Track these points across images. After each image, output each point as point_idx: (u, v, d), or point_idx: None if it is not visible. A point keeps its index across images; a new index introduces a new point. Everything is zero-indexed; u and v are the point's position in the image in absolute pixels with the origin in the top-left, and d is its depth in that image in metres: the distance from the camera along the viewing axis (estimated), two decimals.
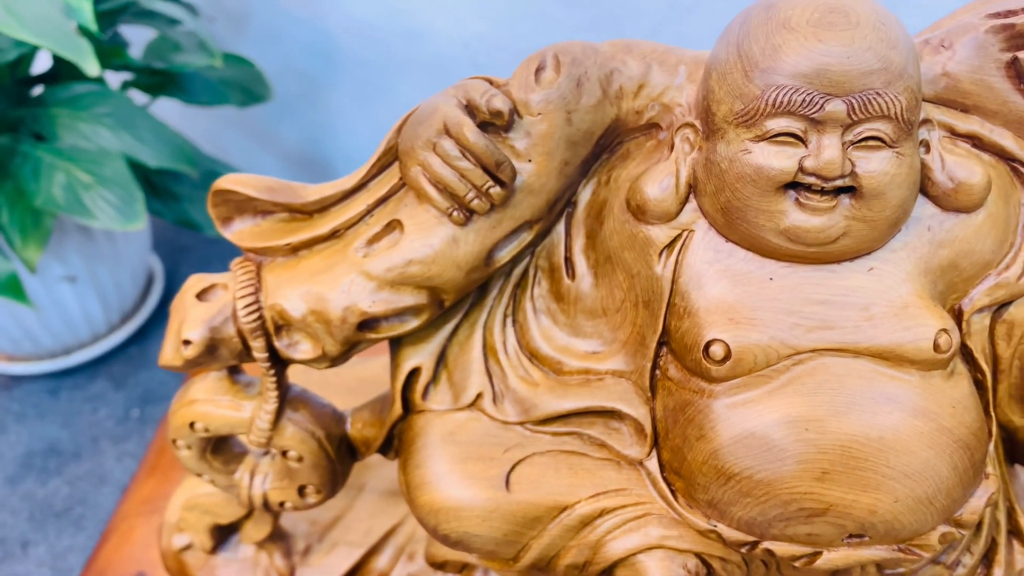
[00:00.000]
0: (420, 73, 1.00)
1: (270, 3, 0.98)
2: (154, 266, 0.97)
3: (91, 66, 0.56)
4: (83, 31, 0.59)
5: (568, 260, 0.37)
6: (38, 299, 0.76)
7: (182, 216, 0.72)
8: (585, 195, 0.36)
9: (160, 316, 0.94)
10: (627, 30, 0.93)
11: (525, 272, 0.37)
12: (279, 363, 0.37)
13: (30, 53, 0.69)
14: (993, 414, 0.36)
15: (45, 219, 0.65)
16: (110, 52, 0.69)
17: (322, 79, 1.02)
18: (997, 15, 0.33)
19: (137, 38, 0.87)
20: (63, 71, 0.71)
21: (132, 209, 0.61)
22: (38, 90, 0.73)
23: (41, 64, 0.80)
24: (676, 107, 0.34)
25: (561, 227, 0.37)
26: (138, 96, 0.78)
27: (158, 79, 0.73)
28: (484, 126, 0.33)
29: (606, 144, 0.36)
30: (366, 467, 0.51)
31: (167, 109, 0.89)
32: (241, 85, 0.78)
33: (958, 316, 0.34)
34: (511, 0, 0.93)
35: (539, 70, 0.33)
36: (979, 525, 0.39)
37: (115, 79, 0.81)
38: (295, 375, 0.43)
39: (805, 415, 0.31)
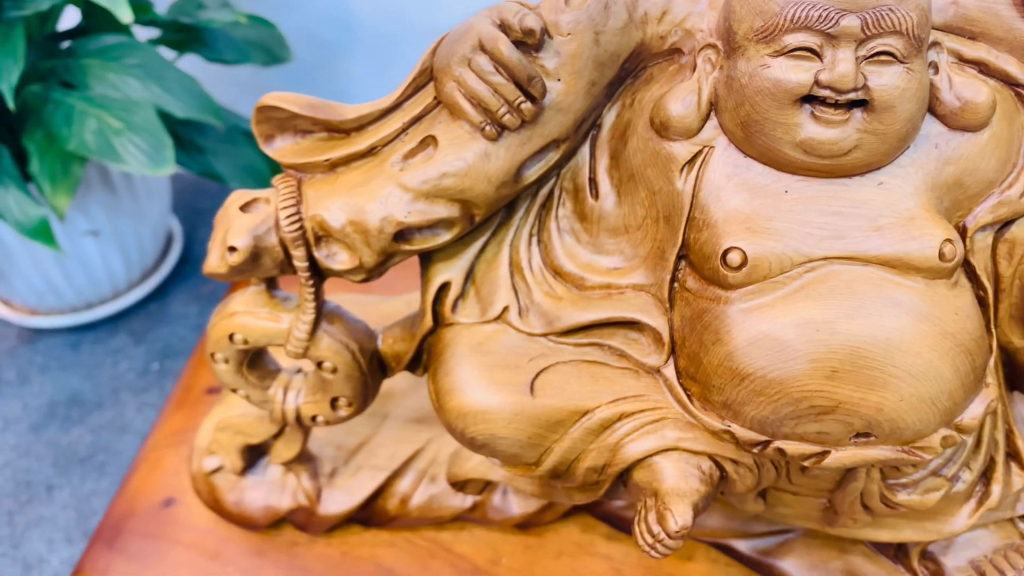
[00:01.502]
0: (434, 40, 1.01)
1: None
2: (173, 227, 0.99)
3: (124, 13, 0.58)
4: None
5: (592, 180, 0.39)
6: (62, 253, 0.78)
7: (206, 168, 0.74)
8: (610, 117, 0.38)
9: (180, 275, 0.96)
10: None
11: (550, 194, 0.39)
12: (317, 274, 0.39)
13: (60, 6, 0.70)
14: (994, 332, 0.38)
15: (74, 167, 0.67)
16: (138, 7, 0.71)
17: (338, 46, 1.04)
18: None
19: (160, 1, 0.88)
20: (92, 25, 0.73)
21: (161, 155, 0.63)
22: (66, 44, 0.75)
23: (68, 21, 0.82)
24: (698, 32, 0.36)
25: (586, 148, 0.39)
26: (164, 52, 0.80)
27: (184, 35, 0.75)
28: (516, 45, 0.35)
29: (631, 68, 0.37)
30: (390, 396, 0.53)
31: (190, 68, 0.91)
32: (263, 46, 0.80)
33: (962, 233, 0.36)
34: None
35: None
36: (978, 442, 0.41)
37: (141, 36, 0.83)
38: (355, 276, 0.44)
39: (816, 317, 0.33)
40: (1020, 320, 0.39)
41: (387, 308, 0.54)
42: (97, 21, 0.72)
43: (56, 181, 0.67)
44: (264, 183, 0.79)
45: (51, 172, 0.66)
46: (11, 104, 0.60)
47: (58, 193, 0.67)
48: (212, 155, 0.74)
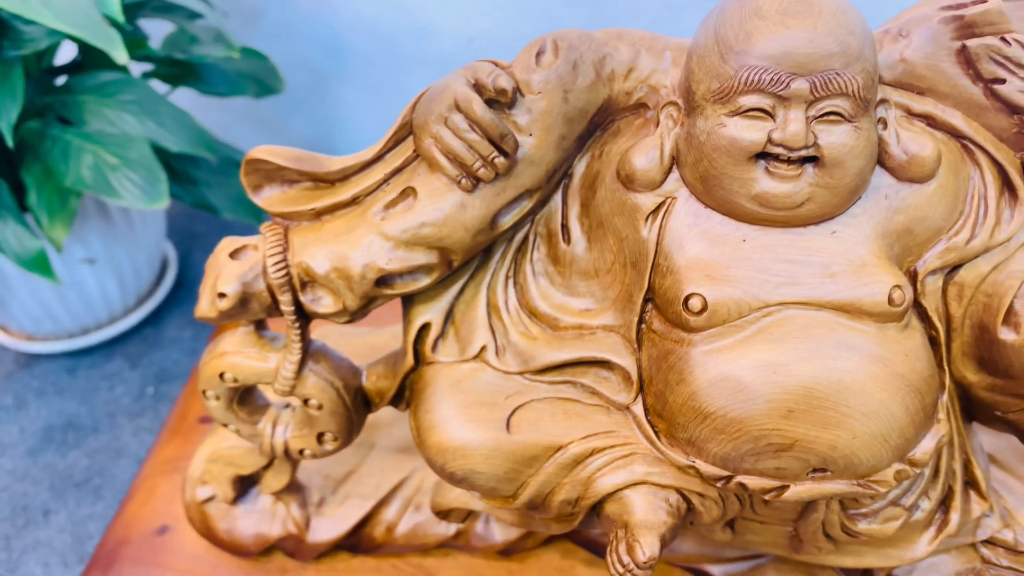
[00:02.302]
0: (426, 69, 1.04)
1: (281, 1, 1.02)
2: (168, 252, 1.01)
3: (120, 54, 0.60)
4: (110, 21, 0.63)
5: (564, 226, 0.41)
6: (60, 280, 0.80)
7: (200, 199, 0.76)
8: (580, 167, 0.40)
9: (175, 299, 0.98)
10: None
11: (525, 238, 0.41)
12: (303, 317, 0.41)
13: (56, 43, 0.73)
14: (948, 369, 0.40)
15: (71, 200, 0.69)
16: (133, 43, 0.73)
17: (331, 74, 1.06)
18: (949, 7, 0.37)
19: (155, 32, 0.91)
20: (88, 61, 0.75)
21: (156, 189, 0.65)
22: (61, 79, 0.77)
23: (64, 55, 0.84)
24: (662, 88, 0.38)
25: (558, 196, 0.41)
26: (158, 86, 0.82)
27: (178, 70, 0.77)
28: (490, 103, 0.37)
29: (599, 121, 0.40)
30: (376, 427, 0.55)
31: (183, 100, 0.93)
32: (256, 77, 0.82)
33: (913, 277, 0.38)
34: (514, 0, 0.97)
35: (539, 53, 0.37)
36: (936, 472, 0.43)
37: (136, 70, 0.85)
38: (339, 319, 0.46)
39: (773, 360, 0.35)
40: (972, 357, 0.41)
41: (373, 340, 0.56)
42: (93, 56, 0.74)
43: (53, 214, 0.69)
44: (256, 214, 0.81)
45: (48, 205, 0.68)
46: (10, 142, 0.62)
47: (55, 225, 0.69)
48: (206, 187, 0.76)
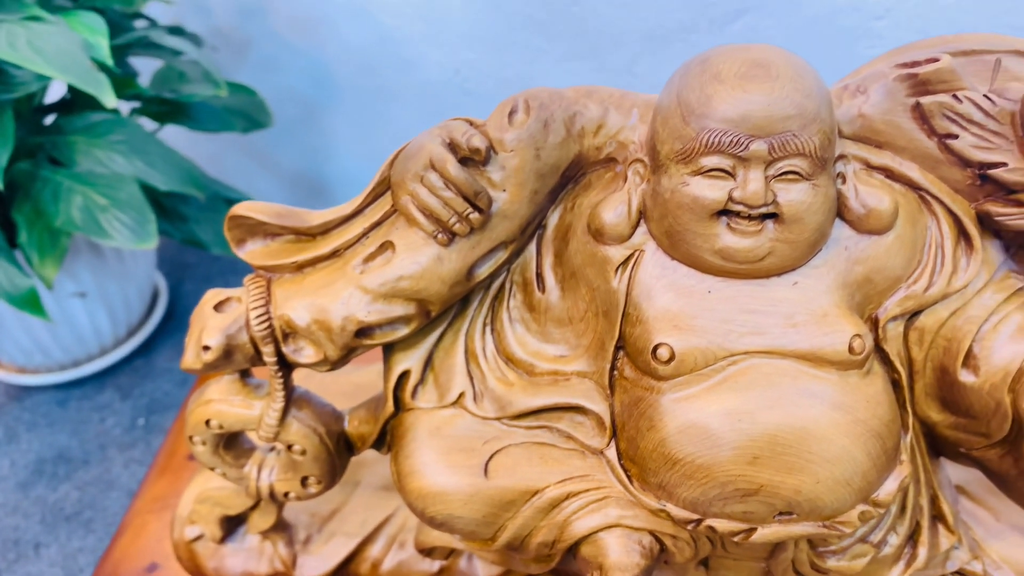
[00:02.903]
0: (413, 98, 1.06)
1: (269, 33, 1.03)
2: (159, 283, 1.02)
3: (108, 98, 0.61)
4: (99, 65, 0.64)
5: (539, 275, 0.42)
6: (50, 313, 0.81)
7: (189, 235, 0.77)
8: (554, 219, 0.42)
9: (165, 330, 0.99)
10: (607, 61, 0.99)
11: (502, 286, 0.43)
12: (286, 367, 0.42)
13: (46, 85, 0.74)
14: (911, 410, 0.42)
15: (61, 239, 0.70)
16: (122, 83, 0.75)
17: (320, 105, 1.08)
18: (904, 65, 0.39)
19: (145, 67, 0.92)
20: (78, 100, 0.76)
21: (145, 229, 0.66)
22: (51, 118, 0.78)
23: (54, 93, 0.85)
24: (630, 144, 0.40)
25: (533, 247, 0.42)
26: (146, 123, 0.83)
27: (167, 108, 0.78)
28: (465, 161, 0.39)
29: (571, 175, 0.41)
30: (361, 465, 0.56)
31: (172, 134, 0.94)
32: (244, 113, 0.84)
33: (875, 323, 0.40)
34: (499, 31, 0.99)
35: (512, 113, 0.39)
36: (903, 508, 0.44)
37: (124, 106, 0.86)
38: (300, 381, 0.47)
39: (739, 408, 0.36)
40: (935, 398, 0.42)
41: (358, 378, 0.57)
42: (83, 95, 0.75)
43: (44, 253, 0.70)
44: None
45: (39, 244, 0.69)
46: (0, 185, 0.63)
47: (46, 264, 0.70)
48: (195, 223, 0.77)
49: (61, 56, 0.61)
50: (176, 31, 0.92)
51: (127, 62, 0.87)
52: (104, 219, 0.66)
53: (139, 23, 0.90)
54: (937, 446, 0.45)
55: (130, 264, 0.89)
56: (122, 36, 0.74)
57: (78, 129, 0.71)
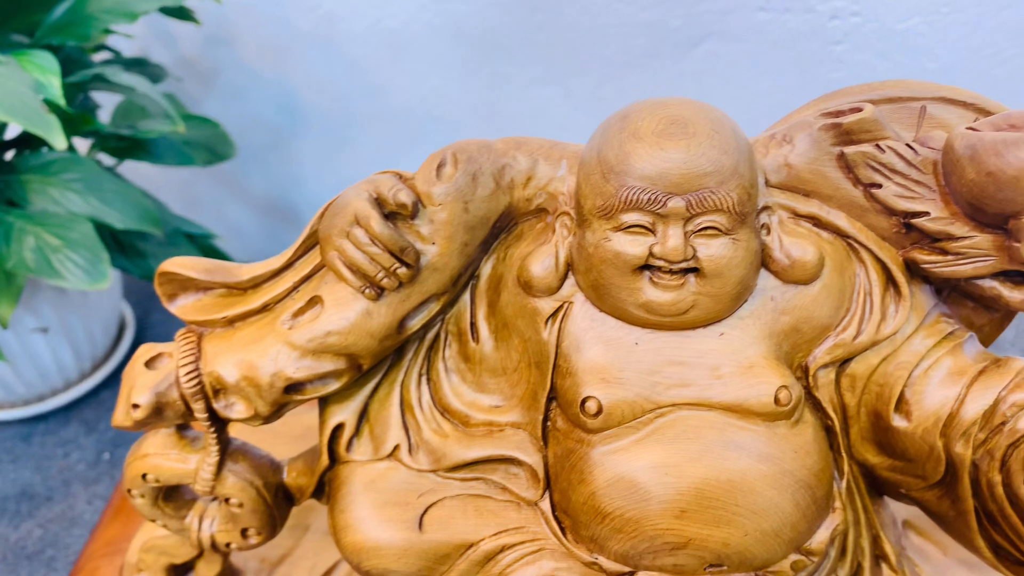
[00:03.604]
0: (381, 125, 1.06)
1: (236, 63, 1.03)
2: (126, 313, 1.01)
3: (58, 140, 0.61)
4: (51, 104, 0.64)
5: (473, 326, 0.42)
6: (11, 350, 0.80)
7: (148, 272, 0.76)
8: (487, 269, 0.42)
9: None
10: (573, 87, 0.99)
11: (437, 336, 0.43)
12: (219, 421, 0.42)
13: (4, 124, 0.74)
14: (847, 455, 0.42)
15: (17, 277, 0.70)
16: (79, 119, 0.75)
17: (288, 133, 1.08)
18: (829, 114, 0.39)
19: (108, 100, 0.92)
20: (34, 138, 0.76)
21: (98, 269, 0.65)
22: (10, 154, 0.78)
23: (14, 129, 0.85)
24: (560, 195, 0.40)
25: (467, 296, 0.42)
26: (106, 158, 0.83)
27: (125, 143, 0.78)
28: (393, 215, 0.39)
29: (503, 226, 0.41)
30: (311, 509, 0.56)
31: (140, 166, 0.94)
32: (206, 145, 0.84)
33: (805, 372, 0.40)
34: (465, 58, 0.99)
35: (440, 166, 0.39)
36: (844, 550, 0.44)
37: (84, 142, 0.86)
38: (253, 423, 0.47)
39: (665, 461, 0.36)
40: (871, 441, 0.42)
41: (309, 420, 0.57)
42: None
43: (0, 292, 0.69)
44: None
45: None
46: None
47: (1, 303, 0.69)
48: (153, 259, 0.77)
49: (10, 98, 0.61)
50: (139, 63, 0.92)
51: (89, 96, 0.87)
52: (56, 260, 0.65)
53: (101, 55, 0.90)
54: (878, 487, 0.46)
55: (93, 297, 0.88)
56: (78, 73, 0.74)
57: (32, 168, 0.70)
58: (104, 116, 0.90)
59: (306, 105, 1.06)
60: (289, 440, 0.52)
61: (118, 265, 0.76)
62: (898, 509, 0.50)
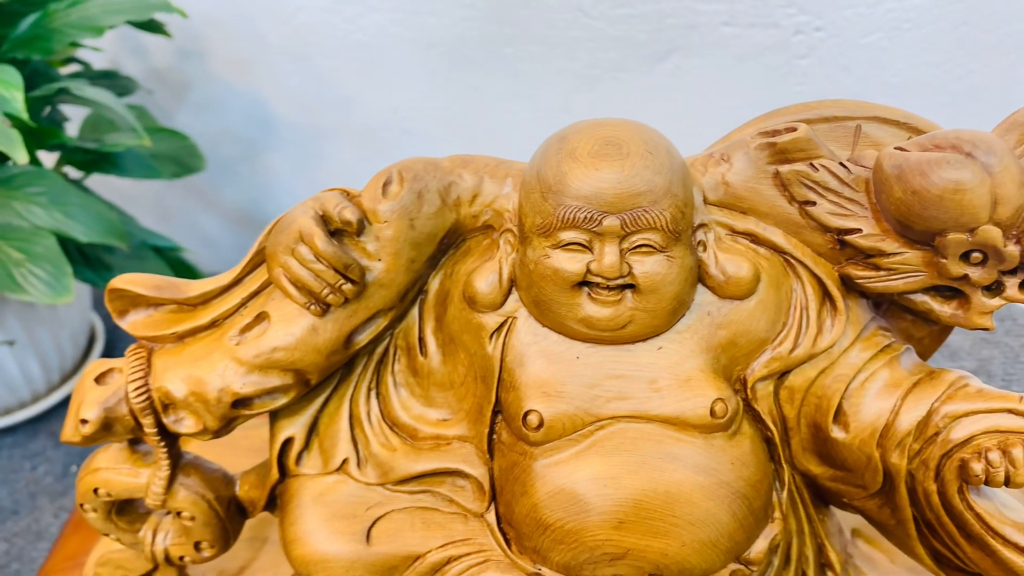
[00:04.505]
0: (352, 137, 1.07)
1: (208, 75, 1.04)
2: (96, 325, 1.01)
3: (20, 155, 0.61)
4: (14, 119, 0.64)
5: (421, 340, 0.43)
6: None
7: None
8: (435, 284, 0.42)
9: None
10: (542, 100, 1.01)
11: (386, 350, 0.43)
12: (169, 436, 0.43)
13: None
14: (788, 465, 0.43)
15: None
16: (45, 133, 0.75)
17: (260, 145, 1.09)
18: (765, 134, 0.40)
19: (79, 113, 0.92)
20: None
21: (61, 283, 0.66)
22: None
23: None
24: (505, 212, 0.40)
25: (415, 311, 0.43)
26: (73, 171, 0.83)
27: (91, 156, 0.78)
28: (338, 232, 0.39)
29: (451, 242, 0.42)
30: (270, 521, 0.56)
31: (113, 177, 0.94)
32: (174, 158, 0.84)
33: (744, 384, 0.41)
34: (435, 70, 1.00)
35: (386, 184, 0.40)
36: (788, 559, 0.45)
37: (50, 156, 0.86)
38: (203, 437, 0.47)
39: (604, 473, 0.37)
40: (813, 452, 0.43)
41: (268, 432, 0.57)
42: None
43: None
44: None
45: None
46: None
47: None
48: (119, 271, 0.77)
49: None
50: (109, 75, 0.92)
51: (57, 109, 0.87)
52: (19, 274, 0.65)
53: (71, 67, 0.90)
54: (823, 496, 0.47)
55: (62, 310, 0.88)
56: (44, 86, 0.74)
57: None
58: (74, 129, 0.90)
59: (277, 118, 1.07)
60: (250, 452, 0.53)
61: (84, 278, 0.76)
62: (848, 517, 0.51)
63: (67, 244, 0.73)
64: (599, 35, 0.95)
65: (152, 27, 0.86)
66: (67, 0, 0.76)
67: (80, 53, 0.91)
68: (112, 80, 0.90)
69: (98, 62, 0.99)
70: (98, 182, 0.94)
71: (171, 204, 1.14)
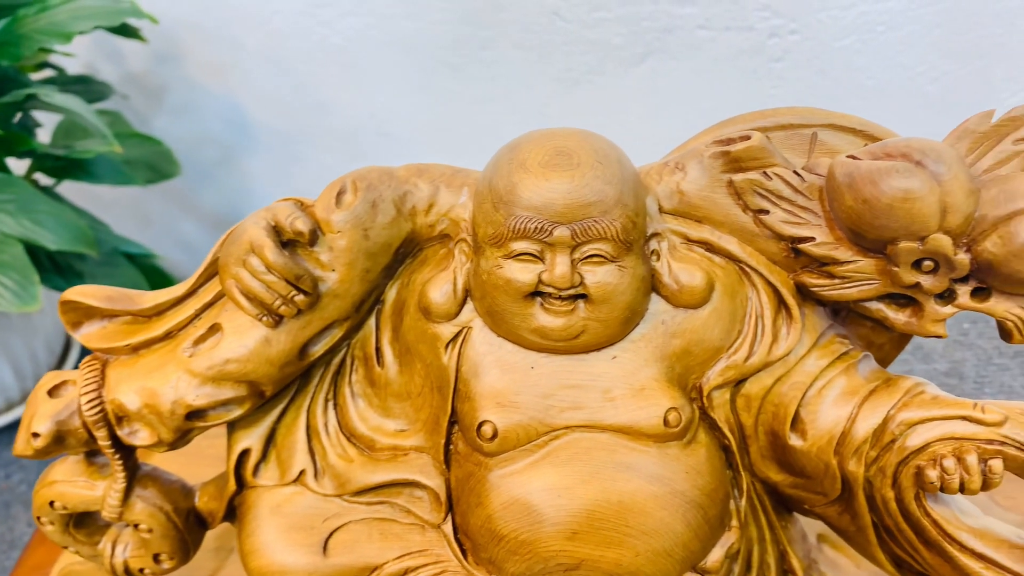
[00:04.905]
0: (330, 141, 1.06)
1: (184, 80, 1.03)
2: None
3: None
4: None
5: (378, 350, 0.42)
6: None
7: None
8: (391, 294, 0.42)
9: None
10: (519, 104, 1.01)
11: (343, 361, 0.43)
12: (124, 448, 0.42)
13: None
14: (747, 473, 0.43)
15: None
16: (14, 139, 0.74)
17: (238, 150, 1.08)
18: (719, 142, 0.40)
19: (52, 119, 0.91)
20: None
21: (28, 292, 0.65)
22: None
23: None
24: (462, 222, 0.40)
25: (372, 321, 0.42)
26: (44, 178, 0.83)
27: (62, 163, 0.78)
28: (292, 242, 0.39)
29: (407, 251, 0.42)
30: (235, 531, 0.56)
31: (91, 184, 0.94)
32: (148, 164, 0.83)
33: (700, 392, 0.40)
34: (412, 74, 1.00)
35: (340, 194, 0.39)
36: (749, 566, 0.45)
37: (21, 163, 0.85)
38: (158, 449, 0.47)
39: (558, 483, 0.37)
40: (772, 459, 0.43)
41: None
42: None
43: None
44: None
45: None
46: None
47: None
48: (91, 279, 0.76)
49: None
50: (83, 80, 0.91)
51: (29, 115, 0.86)
52: None
53: (44, 73, 0.89)
54: (786, 503, 0.47)
55: (35, 317, 0.88)
56: (12, 93, 0.73)
57: None
58: (45, 134, 0.89)
59: (255, 122, 1.06)
60: (216, 462, 0.52)
61: (55, 286, 0.75)
62: (815, 523, 0.51)
63: (37, 252, 0.73)
64: (575, 39, 0.95)
65: (126, 32, 0.85)
66: (36, 6, 0.75)
67: (55, 59, 0.91)
68: (86, 85, 0.90)
69: (73, 67, 0.98)
70: (75, 189, 0.93)
71: (150, 210, 1.13)
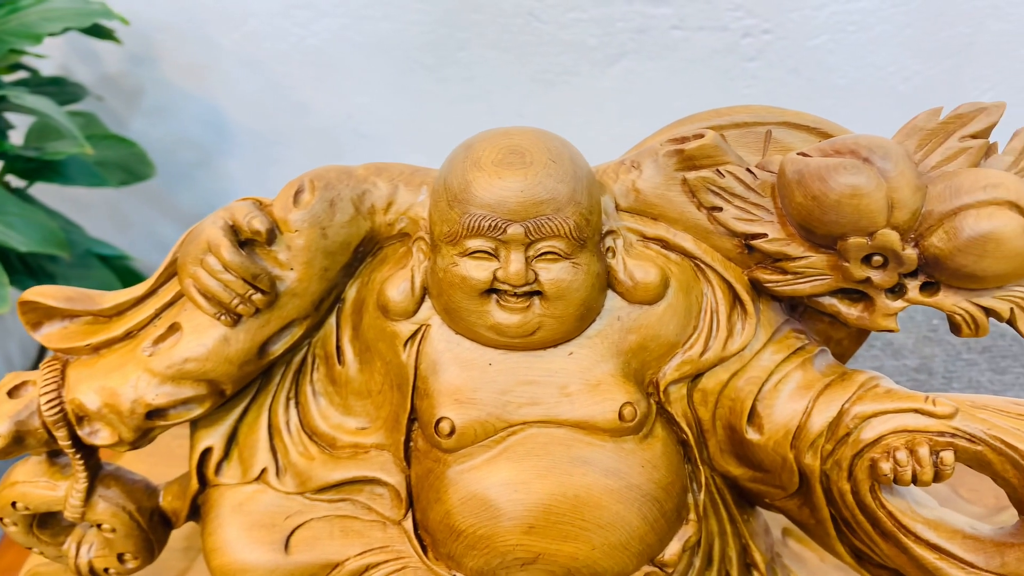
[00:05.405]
0: (307, 142, 1.06)
1: (160, 81, 1.03)
2: None
3: None
4: None
5: (339, 349, 0.43)
6: None
7: None
8: (352, 292, 0.43)
9: None
10: (496, 104, 1.01)
11: (304, 359, 0.43)
12: (85, 448, 0.42)
13: None
14: (705, 467, 0.43)
15: None
16: None
17: (215, 151, 1.08)
18: (673, 141, 0.41)
19: (25, 120, 0.91)
20: None
21: None
22: None
23: None
24: (421, 220, 0.41)
25: (333, 320, 0.43)
26: (15, 180, 0.83)
27: (34, 165, 0.77)
28: (250, 241, 0.39)
29: (367, 250, 0.42)
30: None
31: (67, 186, 0.93)
32: (121, 166, 0.83)
33: (657, 387, 0.41)
34: (389, 75, 1.00)
35: (298, 192, 0.40)
36: (710, 560, 0.45)
37: None
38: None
39: (514, 478, 0.37)
40: (731, 454, 0.44)
41: None
42: None
43: None
44: None
45: None
46: None
47: None
48: (63, 280, 0.76)
49: None
50: (57, 82, 0.91)
51: (3, 117, 0.86)
52: None
53: (17, 74, 0.89)
54: (747, 497, 0.47)
55: (8, 319, 0.88)
56: None
57: None
58: (18, 136, 0.89)
59: (232, 123, 1.06)
60: (183, 461, 0.52)
61: (26, 288, 0.75)
62: (780, 517, 0.51)
63: (8, 254, 0.72)
64: (550, 39, 0.96)
65: (100, 33, 0.85)
66: (7, 7, 0.75)
67: (29, 60, 0.90)
68: (60, 87, 0.89)
69: (48, 69, 0.98)
70: (51, 191, 0.93)
71: (127, 211, 1.13)
